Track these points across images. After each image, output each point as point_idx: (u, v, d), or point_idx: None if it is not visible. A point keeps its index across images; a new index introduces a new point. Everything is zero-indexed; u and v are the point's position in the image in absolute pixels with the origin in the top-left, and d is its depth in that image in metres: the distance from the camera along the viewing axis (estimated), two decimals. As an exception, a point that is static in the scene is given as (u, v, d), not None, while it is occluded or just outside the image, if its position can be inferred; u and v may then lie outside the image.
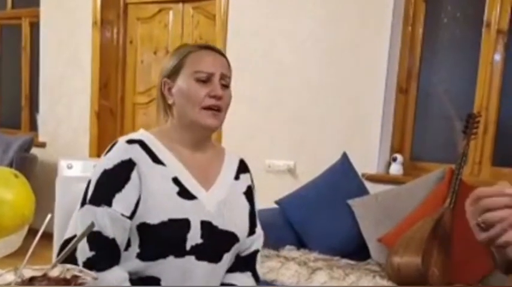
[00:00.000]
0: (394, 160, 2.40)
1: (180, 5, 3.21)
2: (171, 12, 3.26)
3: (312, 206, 2.15)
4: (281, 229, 2.13)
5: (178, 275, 1.04)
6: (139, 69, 3.43)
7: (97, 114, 3.43)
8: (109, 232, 1.00)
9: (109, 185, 1.02)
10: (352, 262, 1.96)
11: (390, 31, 2.37)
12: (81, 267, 0.90)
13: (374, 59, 2.41)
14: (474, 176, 2.29)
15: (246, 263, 1.17)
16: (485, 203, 0.66)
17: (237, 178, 1.17)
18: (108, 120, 3.49)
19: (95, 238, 0.99)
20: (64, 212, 1.14)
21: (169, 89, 1.11)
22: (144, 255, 1.03)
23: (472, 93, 2.31)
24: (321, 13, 2.56)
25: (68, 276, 0.62)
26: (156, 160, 1.07)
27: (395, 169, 2.40)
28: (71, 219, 1.05)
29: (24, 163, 3.35)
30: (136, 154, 1.05)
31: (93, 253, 0.99)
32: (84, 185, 1.06)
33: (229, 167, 1.17)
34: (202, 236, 1.04)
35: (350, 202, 2.14)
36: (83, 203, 1.03)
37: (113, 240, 1.00)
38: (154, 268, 1.03)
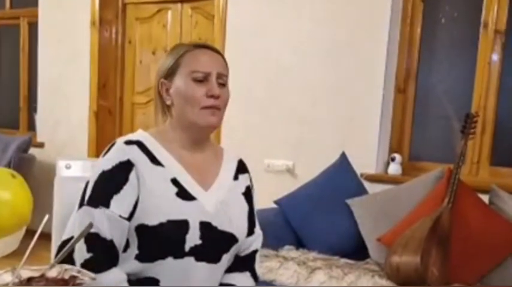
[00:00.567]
0: (393, 159, 2.41)
1: (179, 5, 3.21)
2: (169, 12, 3.26)
3: (311, 206, 2.15)
4: (280, 228, 2.13)
5: (177, 276, 1.04)
6: (138, 69, 3.43)
7: (95, 114, 3.43)
8: (107, 233, 0.99)
9: (107, 186, 1.02)
10: (351, 262, 1.96)
11: (388, 31, 2.38)
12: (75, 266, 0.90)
13: (372, 59, 2.41)
14: (472, 175, 2.29)
15: (245, 263, 1.17)
16: None
17: (236, 178, 1.17)
18: (107, 120, 3.49)
19: (93, 240, 0.98)
20: (62, 213, 1.14)
21: (167, 90, 1.10)
22: (143, 256, 1.03)
23: (470, 93, 2.32)
24: (319, 14, 2.56)
25: (66, 276, 0.61)
26: (154, 160, 1.06)
27: (394, 169, 2.40)
28: (68, 220, 1.04)
29: (22, 164, 3.34)
30: (135, 155, 1.05)
31: (90, 254, 0.98)
32: (83, 186, 1.05)
33: (228, 167, 1.17)
34: (201, 237, 1.04)
35: (349, 201, 2.13)
36: (81, 205, 1.02)
37: (111, 241, 1.00)
38: (153, 269, 1.03)
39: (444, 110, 2.44)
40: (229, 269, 1.15)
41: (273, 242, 1.82)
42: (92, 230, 0.98)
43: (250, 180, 1.21)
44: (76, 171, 1.22)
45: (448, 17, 2.45)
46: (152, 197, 1.02)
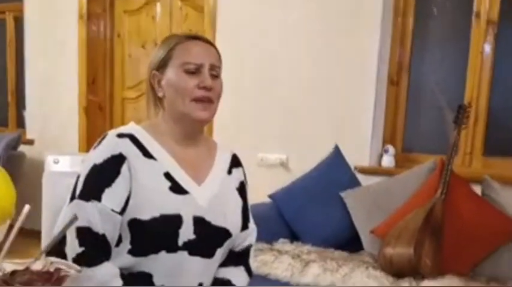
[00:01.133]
0: (386, 151, 2.41)
1: (168, -3, 3.17)
2: (158, 4, 3.22)
3: (305, 199, 2.15)
4: (274, 222, 2.13)
5: (170, 270, 1.03)
6: (128, 63, 3.39)
7: (85, 110, 3.38)
8: (99, 227, 0.98)
9: (99, 179, 1.00)
10: (345, 254, 1.97)
11: (380, 22, 2.37)
12: (67, 261, 0.88)
13: (365, 51, 2.40)
14: (465, 166, 2.30)
15: (239, 258, 1.16)
16: None
17: (229, 172, 1.16)
18: (97, 116, 3.45)
19: (85, 234, 0.97)
20: (51, 208, 1.11)
21: (159, 82, 1.09)
22: (136, 251, 1.01)
23: (463, 84, 2.32)
24: (311, 5, 2.54)
25: (51, 269, 0.60)
26: (147, 154, 1.04)
27: (387, 161, 2.40)
28: (58, 215, 1.02)
29: (12, 161, 3.30)
30: (127, 148, 1.03)
31: (82, 248, 0.97)
32: (72, 180, 1.03)
33: (222, 161, 1.16)
34: (194, 232, 1.03)
35: (342, 194, 2.14)
36: (72, 198, 1.01)
37: (103, 236, 0.98)
38: (146, 263, 1.02)
39: (437, 101, 2.44)
40: (224, 264, 1.14)
41: (267, 235, 1.81)
42: (84, 224, 0.97)
43: (244, 174, 1.20)
44: (65, 166, 1.20)
45: (440, 8, 2.44)
46: (145, 191, 1.01)
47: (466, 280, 1.73)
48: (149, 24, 3.26)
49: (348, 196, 2.13)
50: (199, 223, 1.04)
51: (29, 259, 0.60)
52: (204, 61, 1.06)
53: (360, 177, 2.31)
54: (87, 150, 3.69)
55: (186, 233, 1.02)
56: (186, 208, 1.03)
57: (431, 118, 2.47)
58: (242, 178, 1.19)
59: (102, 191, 0.99)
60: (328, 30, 2.50)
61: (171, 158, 1.07)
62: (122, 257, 1.01)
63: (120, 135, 1.05)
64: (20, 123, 3.88)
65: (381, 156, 2.45)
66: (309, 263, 1.78)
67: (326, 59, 2.51)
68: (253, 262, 1.19)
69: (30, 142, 3.62)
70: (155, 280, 1.03)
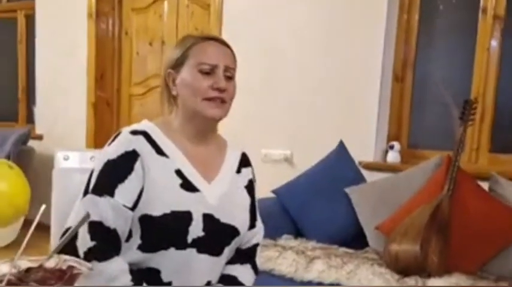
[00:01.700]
0: (391, 147, 2.40)
1: (175, -6, 3.18)
2: (165, 3, 3.24)
3: (309, 195, 2.15)
4: (278, 218, 2.13)
5: (178, 267, 1.04)
6: (135, 60, 3.42)
7: (93, 105, 3.42)
8: (110, 222, 1.00)
9: (112, 175, 1.02)
10: (350, 251, 1.95)
11: (386, 18, 2.36)
12: (79, 258, 0.91)
13: (370, 47, 2.40)
14: (472, 163, 2.29)
15: (246, 256, 1.17)
16: None
17: (238, 171, 1.17)
18: (105, 111, 3.49)
19: (96, 228, 0.99)
20: (61, 204, 1.14)
21: (174, 80, 1.10)
22: (145, 246, 1.03)
23: (469, 80, 2.31)
24: (316, 2, 2.54)
25: (64, 267, 0.62)
26: (159, 151, 1.06)
27: (393, 157, 2.40)
28: (70, 209, 1.04)
29: (21, 156, 3.35)
30: (141, 145, 1.05)
31: (94, 243, 0.99)
32: (81, 177, 1.06)
33: (231, 160, 1.17)
34: (204, 229, 1.04)
35: (347, 190, 2.13)
36: (86, 193, 1.03)
37: (114, 230, 1.00)
38: (155, 259, 1.03)
39: (443, 97, 2.43)
40: (230, 261, 1.15)
41: (271, 231, 1.81)
42: (96, 219, 0.99)
43: (253, 174, 1.22)
44: (74, 162, 1.22)
45: (446, 3, 2.43)
46: (156, 188, 1.03)
47: (474, 279, 1.68)
48: (156, 22, 3.28)
49: (353, 192, 2.12)
50: (209, 220, 1.05)
51: (43, 257, 0.62)
52: (219, 62, 1.08)
53: (365, 173, 2.31)
54: (95, 145, 3.72)
55: (196, 230, 1.03)
56: (196, 206, 1.05)
57: (437, 114, 2.46)
58: (251, 176, 1.20)
59: (115, 186, 1.01)
60: (334, 26, 2.49)
61: (183, 155, 1.08)
62: (131, 253, 1.03)
63: (134, 133, 1.06)
64: (30, 119, 3.93)
65: (386, 152, 2.44)
66: (314, 259, 1.77)
67: (331, 55, 2.51)
68: (258, 258, 1.21)
69: (39, 137, 3.67)
70: (163, 276, 1.04)
